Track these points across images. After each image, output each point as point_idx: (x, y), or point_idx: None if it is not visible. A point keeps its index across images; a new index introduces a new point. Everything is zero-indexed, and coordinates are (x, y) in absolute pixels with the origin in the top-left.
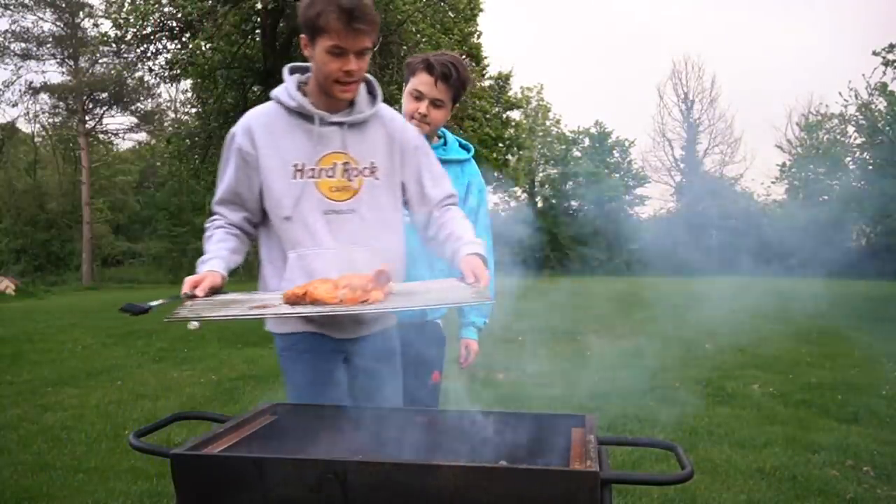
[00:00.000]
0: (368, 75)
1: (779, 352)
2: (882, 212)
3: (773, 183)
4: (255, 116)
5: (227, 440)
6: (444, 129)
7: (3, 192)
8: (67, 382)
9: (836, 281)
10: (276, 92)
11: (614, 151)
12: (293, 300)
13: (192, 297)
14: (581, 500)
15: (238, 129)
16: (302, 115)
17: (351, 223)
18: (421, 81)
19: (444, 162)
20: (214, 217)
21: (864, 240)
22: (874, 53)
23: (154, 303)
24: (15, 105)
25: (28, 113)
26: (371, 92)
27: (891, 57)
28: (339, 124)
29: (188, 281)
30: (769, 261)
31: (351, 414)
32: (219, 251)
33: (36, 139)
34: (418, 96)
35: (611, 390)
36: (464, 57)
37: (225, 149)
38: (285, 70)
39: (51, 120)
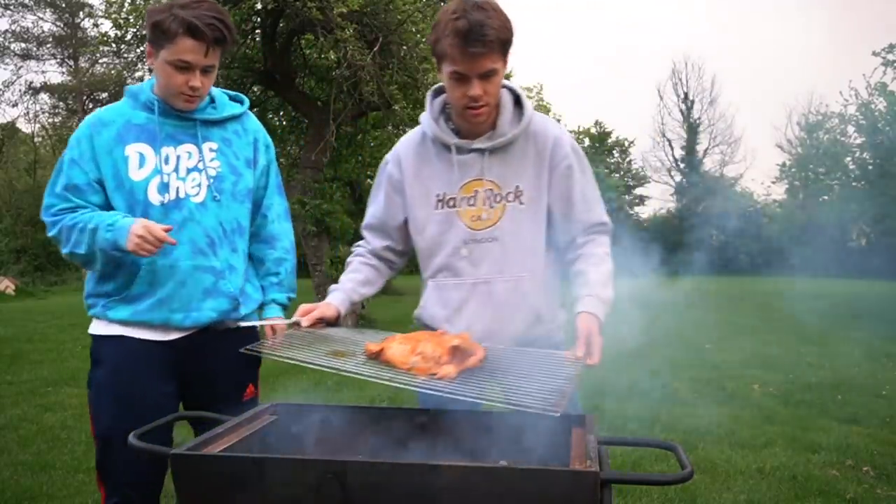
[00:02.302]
0: (517, 88)
1: (779, 352)
2: (882, 212)
3: (773, 183)
4: (406, 143)
5: (227, 440)
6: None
7: (3, 192)
8: (67, 382)
9: (837, 281)
10: (422, 117)
11: (614, 151)
12: (371, 355)
13: (297, 325)
14: (581, 500)
15: (390, 155)
16: (442, 143)
17: (492, 252)
18: (186, 49)
19: (219, 121)
20: (359, 242)
21: (864, 240)
22: (874, 53)
23: (251, 323)
24: (15, 105)
25: (28, 113)
26: (518, 105)
27: (891, 57)
28: (480, 151)
29: (300, 308)
30: (769, 260)
31: (351, 414)
32: (345, 283)
33: (36, 139)
34: (185, 67)
35: (611, 390)
36: None
37: (378, 174)
38: (429, 94)
39: (51, 120)
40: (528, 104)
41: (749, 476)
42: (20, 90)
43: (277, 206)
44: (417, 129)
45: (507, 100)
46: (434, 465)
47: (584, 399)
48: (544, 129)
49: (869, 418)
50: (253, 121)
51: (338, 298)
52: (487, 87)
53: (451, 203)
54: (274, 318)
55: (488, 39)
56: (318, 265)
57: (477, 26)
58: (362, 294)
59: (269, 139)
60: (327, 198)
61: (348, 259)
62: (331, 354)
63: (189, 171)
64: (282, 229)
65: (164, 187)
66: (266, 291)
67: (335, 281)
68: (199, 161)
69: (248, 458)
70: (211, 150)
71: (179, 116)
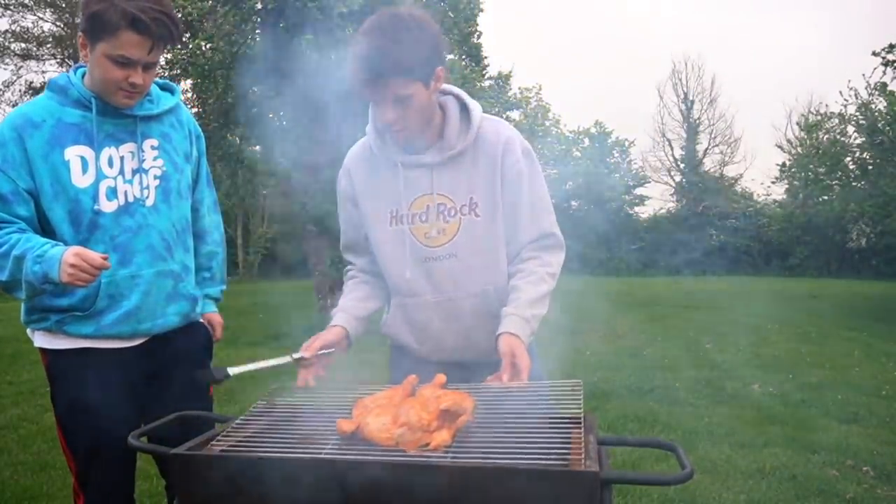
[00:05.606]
0: (462, 94)
1: (779, 352)
2: (882, 212)
3: (773, 183)
4: (354, 156)
5: (227, 440)
6: None
7: None
8: None
9: (837, 281)
10: (368, 129)
11: (614, 151)
12: (346, 436)
13: (302, 359)
14: (581, 500)
15: (342, 170)
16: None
17: (451, 269)
18: (128, 43)
19: (156, 116)
20: (347, 267)
21: (864, 240)
22: (874, 53)
23: (234, 370)
24: (15, 105)
25: None
26: (465, 110)
27: (891, 57)
28: (428, 166)
29: (304, 345)
30: (768, 260)
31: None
32: (345, 303)
33: None
34: (125, 62)
35: (611, 390)
36: (463, 57)
37: (337, 192)
38: (371, 106)
39: None
40: (475, 109)
41: (749, 476)
42: (20, 90)
43: (208, 199)
44: (365, 139)
45: (452, 108)
46: (434, 465)
47: (584, 399)
48: (495, 132)
49: (869, 418)
50: (185, 111)
51: (341, 318)
52: (404, 112)
53: (404, 220)
54: (211, 314)
55: (385, 69)
56: (318, 265)
57: (373, 54)
58: (368, 308)
59: (199, 129)
60: (328, 198)
61: (343, 287)
62: (300, 442)
63: (134, 172)
64: (212, 222)
65: (112, 192)
66: (199, 286)
67: (334, 280)
68: (143, 161)
69: (248, 458)
70: (152, 147)
71: (118, 114)
